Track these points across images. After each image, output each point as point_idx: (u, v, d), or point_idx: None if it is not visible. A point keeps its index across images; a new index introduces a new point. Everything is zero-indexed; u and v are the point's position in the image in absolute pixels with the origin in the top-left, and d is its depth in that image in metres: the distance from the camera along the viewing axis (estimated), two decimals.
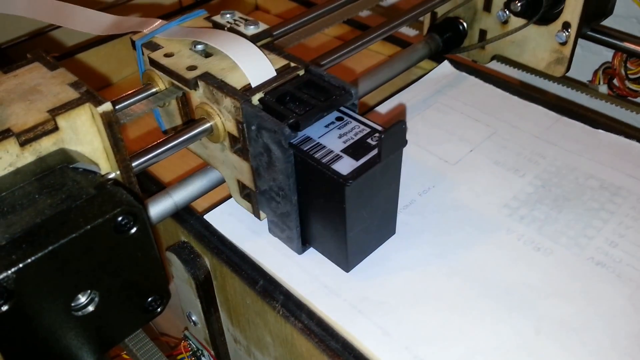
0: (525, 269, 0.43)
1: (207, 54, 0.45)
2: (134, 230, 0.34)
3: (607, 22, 0.62)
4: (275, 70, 0.43)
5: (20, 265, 0.30)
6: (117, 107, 0.43)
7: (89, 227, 0.32)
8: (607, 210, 0.47)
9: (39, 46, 0.79)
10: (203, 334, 0.53)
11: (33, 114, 0.36)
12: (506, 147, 0.54)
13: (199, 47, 0.45)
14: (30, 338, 0.33)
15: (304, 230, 0.44)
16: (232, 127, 0.42)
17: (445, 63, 0.65)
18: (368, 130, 0.40)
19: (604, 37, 0.61)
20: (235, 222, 0.48)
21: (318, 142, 0.40)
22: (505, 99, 0.60)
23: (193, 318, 0.52)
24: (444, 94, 0.61)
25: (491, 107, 0.59)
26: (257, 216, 0.47)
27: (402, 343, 0.39)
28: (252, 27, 0.47)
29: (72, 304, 0.34)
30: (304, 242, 0.45)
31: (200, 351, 0.56)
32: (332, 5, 0.57)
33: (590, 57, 0.76)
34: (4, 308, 0.30)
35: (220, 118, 0.43)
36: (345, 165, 0.38)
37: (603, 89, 0.70)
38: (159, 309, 0.39)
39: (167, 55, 0.45)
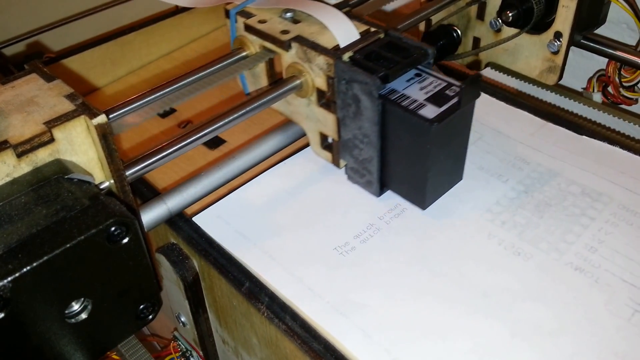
0: (505, 273, 0.44)
1: (295, 20, 0.51)
2: (126, 240, 0.35)
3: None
4: (359, 33, 0.49)
5: (17, 274, 0.31)
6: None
7: (82, 237, 0.33)
8: (588, 216, 0.48)
9: (39, 46, 0.80)
10: (192, 334, 0.54)
11: (30, 126, 0.37)
12: (490, 153, 0.54)
13: (288, 14, 0.52)
14: (25, 345, 0.34)
15: (382, 174, 0.49)
16: (321, 83, 0.48)
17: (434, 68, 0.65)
18: (445, 83, 0.46)
19: (596, 46, 0.62)
20: (222, 225, 0.49)
21: (403, 93, 0.45)
22: (491, 104, 0.61)
23: (182, 319, 0.53)
24: None
25: (478, 112, 0.58)
26: (337, 164, 0.52)
27: (383, 345, 0.40)
28: None
29: (66, 312, 0.35)
30: (382, 186, 0.50)
31: (189, 352, 0.57)
32: None
33: (584, 63, 0.77)
34: (0, 316, 0.31)
35: (311, 75, 0.48)
36: (430, 111, 0.44)
37: (597, 96, 0.70)
38: (150, 316, 0.39)
39: (260, 22, 0.51)
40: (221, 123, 0.46)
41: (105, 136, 0.38)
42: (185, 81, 0.49)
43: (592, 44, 0.62)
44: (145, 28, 0.79)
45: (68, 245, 0.32)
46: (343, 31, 0.48)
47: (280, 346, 0.43)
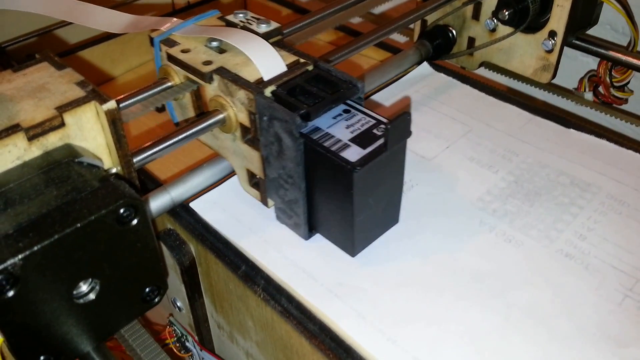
0: (497, 259, 0.45)
1: (221, 50, 0.48)
2: (134, 222, 0.35)
3: None
4: (286, 65, 0.46)
5: (27, 252, 0.31)
6: (130, 101, 0.46)
7: (92, 217, 0.33)
8: (577, 205, 0.49)
9: (40, 45, 0.81)
10: (187, 319, 0.55)
11: (41, 111, 0.37)
12: (481, 145, 0.56)
13: (214, 43, 0.48)
14: (33, 323, 0.34)
15: (311, 217, 0.46)
16: (244, 118, 0.45)
17: (425, 64, 0.67)
18: (374, 121, 0.43)
19: (588, 46, 0.63)
20: (219, 210, 0.49)
21: (327, 132, 0.42)
22: (481, 99, 0.62)
23: (178, 304, 0.54)
24: (423, 93, 0.63)
25: (467, 107, 0.61)
26: (265, 204, 0.49)
27: (377, 326, 0.40)
28: (264, 25, 0.50)
29: (74, 292, 0.35)
30: (310, 228, 0.47)
31: (184, 337, 0.57)
32: (338, 6, 0.60)
33: (573, 65, 0.78)
34: (10, 294, 0.31)
35: (233, 110, 0.45)
36: (354, 153, 0.40)
37: (588, 96, 0.71)
38: (156, 299, 0.40)
39: (184, 51, 0.48)
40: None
41: (115, 122, 0.38)
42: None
43: (584, 44, 0.63)
44: None
45: (78, 225, 0.32)
46: (267, 63, 0.45)
47: (276, 328, 0.44)
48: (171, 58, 0.48)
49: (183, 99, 0.51)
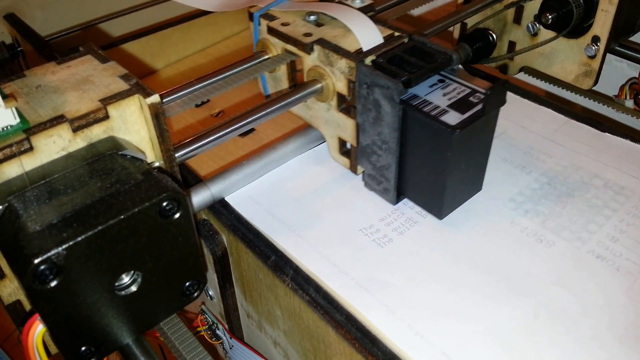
0: (527, 259, 0.45)
1: (318, 23, 0.51)
2: (177, 215, 0.35)
3: None
4: (382, 37, 0.48)
5: (71, 242, 0.31)
6: (173, 96, 0.46)
7: (136, 210, 0.33)
8: (610, 207, 0.49)
9: (82, 39, 0.82)
10: (218, 308, 0.56)
11: (86, 102, 0.38)
12: (514, 146, 0.56)
13: (312, 17, 0.51)
14: (75, 314, 0.34)
15: (400, 182, 0.48)
16: (342, 87, 0.47)
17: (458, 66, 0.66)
18: (469, 90, 0.45)
19: (631, 53, 0.62)
20: (252, 204, 0.50)
21: (425, 99, 0.44)
22: (515, 101, 0.62)
23: (210, 292, 0.55)
24: None
25: (502, 109, 0.60)
26: (354, 171, 0.51)
27: (405, 320, 0.41)
28: (358, 1, 0.54)
29: (116, 284, 0.36)
30: (399, 194, 0.49)
31: (215, 325, 0.59)
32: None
33: (613, 73, 0.77)
34: (53, 284, 0.31)
35: (332, 79, 0.48)
36: (452, 118, 0.42)
37: (629, 104, 0.71)
38: (195, 294, 0.40)
39: (283, 25, 0.51)
40: (248, 120, 0.46)
41: (158, 115, 0.39)
42: (220, 76, 0.49)
43: (627, 51, 0.62)
44: (183, 24, 0.82)
45: (122, 217, 0.33)
46: (366, 34, 0.47)
47: (304, 317, 0.45)
48: (272, 31, 0.51)
49: (278, 72, 0.53)
